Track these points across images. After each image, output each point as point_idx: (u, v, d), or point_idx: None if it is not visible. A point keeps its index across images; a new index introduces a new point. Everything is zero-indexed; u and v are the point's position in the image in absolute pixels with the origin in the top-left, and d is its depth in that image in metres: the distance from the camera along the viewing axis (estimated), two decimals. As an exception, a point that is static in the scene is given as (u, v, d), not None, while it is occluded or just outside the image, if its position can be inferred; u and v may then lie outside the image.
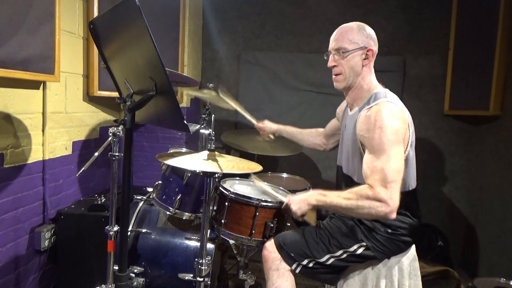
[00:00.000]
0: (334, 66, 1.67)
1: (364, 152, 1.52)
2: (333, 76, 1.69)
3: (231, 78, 3.57)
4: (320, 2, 3.36)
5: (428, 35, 3.24)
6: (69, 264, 2.29)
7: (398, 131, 1.45)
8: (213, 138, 1.84)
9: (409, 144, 1.52)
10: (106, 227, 1.79)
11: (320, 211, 1.88)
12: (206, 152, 1.72)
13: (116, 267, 1.51)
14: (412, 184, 1.60)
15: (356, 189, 1.46)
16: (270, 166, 2.20)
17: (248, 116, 2.27)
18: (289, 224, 1.79)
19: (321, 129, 2.17)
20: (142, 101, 1.28)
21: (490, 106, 2.63)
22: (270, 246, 1.63)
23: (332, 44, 1.67)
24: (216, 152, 1.72)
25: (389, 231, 1.53)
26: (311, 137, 2.20)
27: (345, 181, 1.68)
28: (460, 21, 3.01)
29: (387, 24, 3.27)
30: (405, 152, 1.50)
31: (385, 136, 1.43)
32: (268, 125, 2.31)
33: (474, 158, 3.13)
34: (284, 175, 2.69)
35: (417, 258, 1.64)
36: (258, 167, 1.72)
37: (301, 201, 1.58)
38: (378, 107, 1.49)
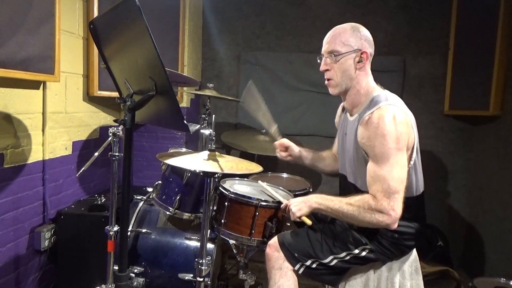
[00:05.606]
0: (326, 70, 1.61)
1: (368, 158, 1.48)
2: (326, 82, 1.64)
3: (231, 78, 3.57)
4: (320, 2, 3.37)
5: (428, 35, 3.24)
6: (69, 264, 2.30)
7: (401, 137, 1.40)
8: (214, 138, 1.83)
9: (415, 148, 1.49)
10: (106, 227, 1.79)
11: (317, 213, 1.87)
12: (206, 152, 1.72)
13: (116, 267, 1.51)
14: (420, 188, 1.57)
15: (359, 197, 1.44)
16: (270, 166, 2.19)
17: (273, 130, 1.90)
18: (288, 224, 1.79)
19: (330, 151, 2.02)
20: (142, 101, 1.28)
21: (490, 106, 2.63)
22: (273, 245, 1.60)
23: (324, 47, 1.60)
24: (216, 152, 1.72)
25: (396, 235, 1.51)
26: (333, 161, 1.97)
27: (350, 190, 1.62)
28: (460, 21, 3.01)
29: (387, 24, 3.28)
30: (411, 158, 1.47)
31: (387, 144, 1.38)
32: (291, 146, 1.96)
33: (474, 158, 3.13)
34: (284, 175, 2.68)
35: (418, 258, 1.64)
36: (258, 167, 1.71)
37: (301, 203, 1.56)
38: (380, 112, 1.43)
